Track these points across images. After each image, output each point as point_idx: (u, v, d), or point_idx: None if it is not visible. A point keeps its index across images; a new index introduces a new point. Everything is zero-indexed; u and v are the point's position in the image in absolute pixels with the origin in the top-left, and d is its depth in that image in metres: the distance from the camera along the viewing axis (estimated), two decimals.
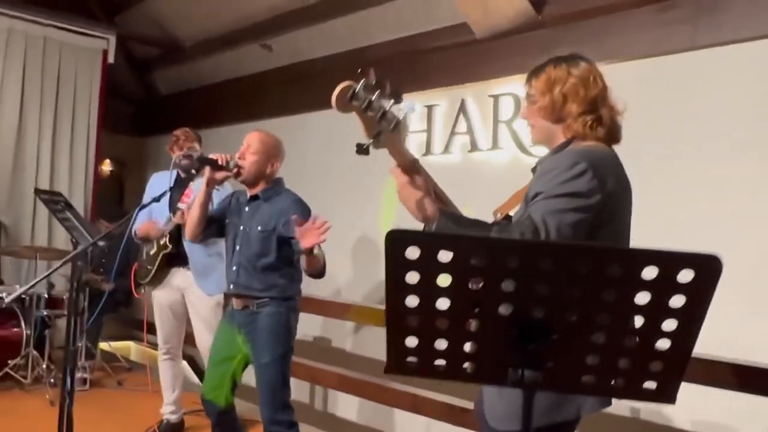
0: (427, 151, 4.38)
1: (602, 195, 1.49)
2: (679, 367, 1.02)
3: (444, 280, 1.01)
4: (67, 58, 5.81)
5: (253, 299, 2.72)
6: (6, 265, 5.42)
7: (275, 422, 2.68)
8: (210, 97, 6.36)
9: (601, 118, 1.64)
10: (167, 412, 3.83)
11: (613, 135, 1.67)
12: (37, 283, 2.49)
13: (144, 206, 2.63)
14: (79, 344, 4.42)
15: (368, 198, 4.52)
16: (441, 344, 1.08)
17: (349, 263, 4.71)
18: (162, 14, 6.03)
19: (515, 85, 3.91)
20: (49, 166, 5.75)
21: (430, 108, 4.38)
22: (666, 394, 1.05)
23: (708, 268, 0.93)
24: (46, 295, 4.56)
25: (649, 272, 0.94)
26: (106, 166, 7.12)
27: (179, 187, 3.31)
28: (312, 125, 5.20)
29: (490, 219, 1.78)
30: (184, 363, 4.11)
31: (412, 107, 1.52)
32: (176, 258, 3.56)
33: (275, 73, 5.61)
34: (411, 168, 1.59)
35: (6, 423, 3.95)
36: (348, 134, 5.15)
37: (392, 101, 1.45)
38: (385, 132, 1.47)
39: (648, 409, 3.22)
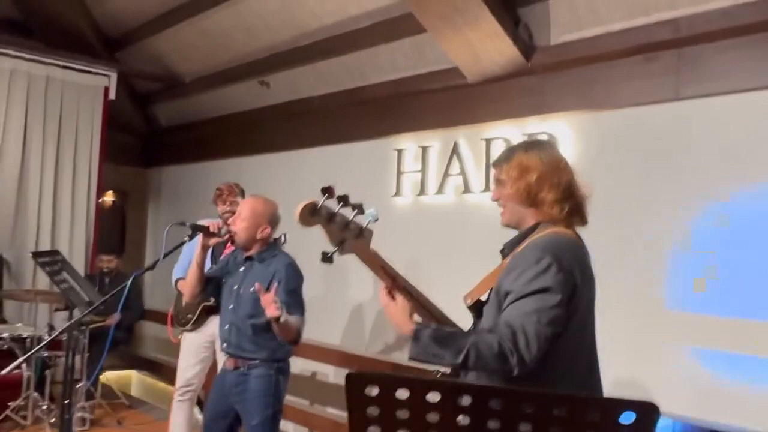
0: (422, 191, 4.45)
1: (568, 287, 1.54)
2: None
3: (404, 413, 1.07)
4: (70, 95, 5.92)
5: (244, 360, 2.79)
6: (8, 304, 5.50)
7: None
8: (210, 130, 6.46)
9: (577, 205, 1.70)
10: None
11: (584, 219, 1.73)
12: (43, 346, 2.52)
13: (140, 274, 2.68)
14: (79, 385, 4.47)
15: None
16: None
17: (349, 307, 4.76)
18: (162, 51, 6.15)
19: (506, 129, 3.98)
20: (51, 198, 5.85)
21: (424, 149, 4.46)
22: None
23: (647, 413, 0.98)
24: (46, 337, 4.62)
25: (593, 415, 1.00)
26: (109, 197, 7.22)
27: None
28: (308, 161, 5.29)
29: (480, 268, 1.84)
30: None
31: (374, 216, 1.61)
32: (215, 308, 3.64)
33: (273, 110, 5.71)
34: (394, 286, 1.68)
35: None
36: (345, 171, 5.24)
37: (355, 212, 1.54)
38: (348, 240, 1.58)
39: None
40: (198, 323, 3.77)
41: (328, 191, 1.56)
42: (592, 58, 3.56)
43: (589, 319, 1.64)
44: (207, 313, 3.73)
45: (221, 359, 3.58)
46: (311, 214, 1.55)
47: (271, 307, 2.43)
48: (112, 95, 6.10)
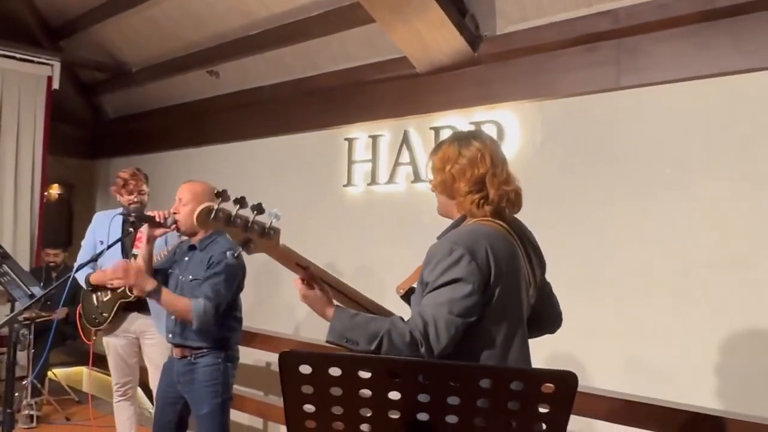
0: (373, 180, 4.47)
1: (481, 276, 1.59)
2: None
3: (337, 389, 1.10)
4: (10, 85, 5.75)
5: (190, 349, 2.77)
6: None
7: None
8: (158, 121, 6.35)
9: (487, 197, 1.73)
10: None
11: (500, 212, 1.75)
12: None
13: (83, 266, 2.64)
14: (26, 382, 4.37)
15: (316, 224, 4.59)
16: None
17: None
18: (108, 39, 6.01)
19: (454, 118, 4.04)
20: None
21: (375, 138, 4.48)
22: None
23: (566, 382, 1.03)
24: None
25: (516, 385, 1.04)
26: (55, 190, 7.03)
27: (127, 234, 3.30)
28: (259, 152, 5.26)
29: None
30: (139, 391, 4.09)
31: (276, 215, 1.64)
32: (134, 304, 3.51)
33: (223, 100, 5.64)
34: (308, 276, 1.72)
35: None
36: (296, 161, 5.23)
37: (255, 213, 1.61)
38: (254, 239, 1.63)
39: None
40: (115, 322, 3.56)
41: (221, 194, 1.62)
42: (537, 48, 3.63)
43: (511, 305, 1.67)
44: (125, 310, 3.55)
45: (150, 348, 3.53)
46: (208, 217, 1.58)
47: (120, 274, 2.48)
48: (55, 85, 5.94)
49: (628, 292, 3.24)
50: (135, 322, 3.59)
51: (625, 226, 3.29)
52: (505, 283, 1.63)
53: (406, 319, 1.61)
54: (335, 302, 1.70)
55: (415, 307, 1.66)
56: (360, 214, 4.52)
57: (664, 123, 3.21)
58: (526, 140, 3.71)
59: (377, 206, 4.44)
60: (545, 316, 1.91)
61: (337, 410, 1.12)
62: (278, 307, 4.84)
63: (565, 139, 3.58)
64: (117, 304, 3.49)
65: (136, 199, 3.53)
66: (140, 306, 3.49)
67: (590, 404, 2.69)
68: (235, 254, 1.65)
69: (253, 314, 4.70)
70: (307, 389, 1.10)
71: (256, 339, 4.13)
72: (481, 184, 1.72)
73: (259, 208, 1.61)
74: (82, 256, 3.60)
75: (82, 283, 3.43)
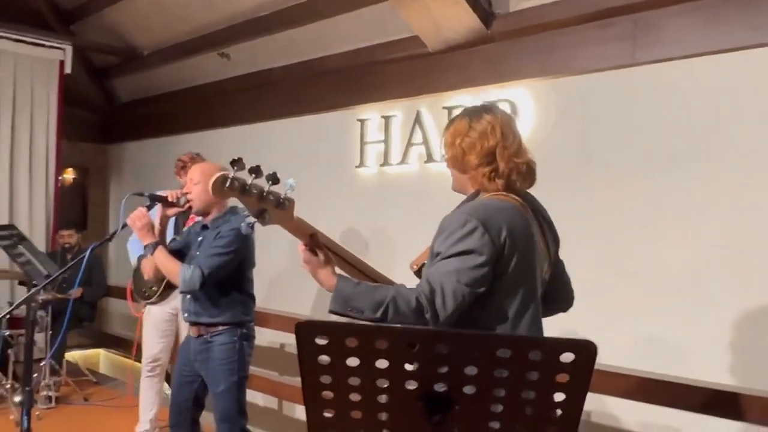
0: (385, 161, 4.46)
1: (494, 249, 1.58)
2: (571, 430, 1.13)
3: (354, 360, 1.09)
4: (23, 69, 5.77)
5: (206, 327, 2.80)
6: None
7: None
8: (170, 104, 6.36)
9: (497, 170, 1.71)
10: (142, 430, 3.86)
11: (512, 185, 1.73)
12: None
13: (97, 245, 2.65)
14: (43, 363, 4.43)
15: (328, 205, 4.59)
16: (356, 414, 1.17)
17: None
18: (119, 23, 6.00)
19: (467, 97, 3.99)
20: (8, 176, 5.73)
21: (387, 119, 4.46)
22: None
23: (585, 351, 1.02)
24: (6, 315, 4.55)
25: (535, 354, 1.03)
26: (69, 174, 7.08)
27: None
28: (271, 134, 5.25)
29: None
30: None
31: (291, 185, 1.62)
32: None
33: (234, 82, 5.63)
34: (312, 243, 1.69)
35: None
36: (308, 143, 5.22)
37: (269, 183, 1.58)
38: (269, 210, 1.59)
39: (598, 412, 3.36)
40: (163, 296, 3.66)
41: (237, 163, 1.57)
42: (551, 25, 3.58)
43: (524, 279, 1.66)
44: (171, 287, 3.64)
45: (185, 330, 3.59)
46: (223, 186, 1.55)
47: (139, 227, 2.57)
48: (68, 69, 5.95)
49: (644, 271, 3.22)
50: (177, 297, 3.66)
51: (641, 203, 3.26)
52: (519, 258, 1.61)
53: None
54: (339, 271, 1.68)
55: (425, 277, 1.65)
56: (373, 195, 4.51)
57: (681, 99, 3.17)
58: (540, 118, 3.67)
59: (390, 187, 4.43)
60: (558, 294, 1.89)
61: (353, 381, 1.12)
62: (291, 286, 4.86)
63: (580, 116, 3.54)
64: (165, 280, 3.55)
65: (184, 181, 3.61)
66: None
67: (605, 381, 2.68)
68: (251, 225, 1.61)
69: (268, 296, 4.74)
70: (324, 360, 1.10)
71: (269, 319, 4.14)
72: (491, 157, 1.70)
73: (274, 178, 1.58)
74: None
75: (133, 262, 3.58)
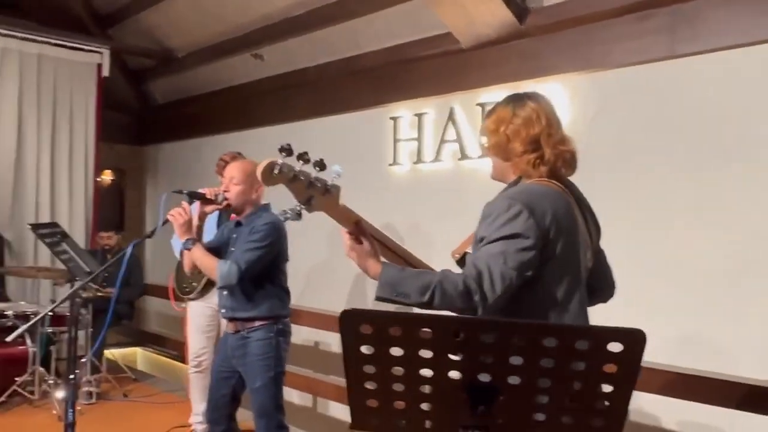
0: (418, 159, 4.45)
1: (540, 232, 1.56)
2: (618, 422, 1.10)
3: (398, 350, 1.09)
4: (62, 73, 5.90)
5: (243, 322, 2.83)
6: (10, 282, 5.54)
7: None
8: (205, 105, 6.44)
9: (543, 156, 1.69)
10: (196, 422, 3.92)
11: (555, 172, 1.72)
12: (45, 314, 2.56)
13: (139, 242, 2.70)
14: (84, 359, 4.52)
15: (362, 204, 4.59)
16: (399, 405, 1.16)
17: (351, 271, 4.79)
18: (154, 26, 6.10)
19: (501, 93, 3.91)
20: (49, 177, 5.87)
21: (420, 116, 4.45)
22: None
23: (634, 340, 1.00)
24: (50, 313, 4.65)
25: (582, 344, 1.02)
26: (107, 176, 7.22)
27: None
28: (305, 133, 5.27)
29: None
30: None
31: (338, 172, 1.61)
32: None
33: (268, 82, 5.68)
34: (357, 230, 1.68)
35: None
36: (342, 141, 5.25)
37: (317, 169, 1.56)
38: (316, 197, 1.58)
39: (635, 410, 3.30)
40: (203, 292, 3.77)
41: (286, 150, 1.55)
42: (586, 18, 3.53)
43: (570, 264, 1.64)
44: (212, 283, 3.68)
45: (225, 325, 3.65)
46: (272, 172, 1.53)
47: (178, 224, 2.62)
48: (105, 72, 6.07)
49: (685, 267, 3.16)
50: (217, 294, 3.73)
51: (682, 199, 3.19)
52: (564, 242, 1.60)
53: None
54: (383, 259, 1.67)
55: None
56: (406, 193, 4.50)
57: (722, 92, 3.09)
58: (577, 114, 3.62)
59: (423, 184, 4.42)
60: (600, 283, 1.87)
61: (397, 371, 1.12)
62: (325, 283, 4.88)
63: (618, 111, 3.48)
64: (206, 277, 3.61)
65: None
66: None
67: (643, 378, 2.63)
68: (298, 212, 1.59)
69: (303, 294, 4.76)
70: (368, 349, 1.10)
71: (301, 316, 4.16)
72: (536, 144, 1.69)
73: (321, 165, 1.56)
74: None
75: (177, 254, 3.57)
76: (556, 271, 1.60)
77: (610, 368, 1.05)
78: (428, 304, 1.50)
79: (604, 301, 1.91)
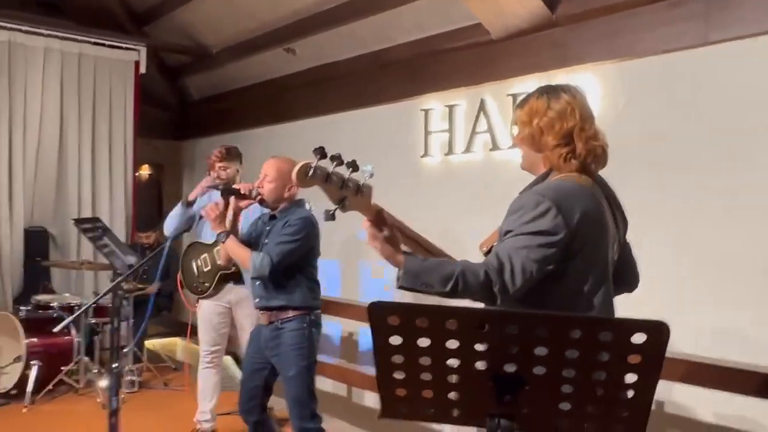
0: (450, 150, 4.46)
1: (567, 230, 1.58)
2: (643, 413, 1.13)
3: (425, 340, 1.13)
4: (102, 71, 6.06)
5: (276, 313, 2.91)
6: (55, 275, 5.74)
7: (304, 430, 2.90)
8: (239, 100, 6.55)
9: (574, 151, 1.71)
10: (203, 419, 3.98)
11: (586, 167, 1.73)
12: (90, 306, 2.66)
13: (178, 236, 2.79)
14: (127, 350, 4.67)
15: (394, 195, 4.63)
16: (427, 394, 1.20)
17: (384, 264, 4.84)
18: (189, 23, 6.22)
19: (532, 83, 3.94)
20: (90, 174, 6.04)
21: (451, 108, 4.46)
22: None
23: (657, 332, 1.02)
24: (93, 305, 4.82)
25: (606, 336, 1.04)
26: (145, 171, 7.40)
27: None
28: (337, 126, 5.33)
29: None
30: (228, 359, 4.30)
31: (370, 172, 1.64)
32: (231, 275, 3.74)
33: (300, 76, 5.75)
34: (378, 220, 1.71)
35: (63, 425, 4.26)
36: (373, 134, 5.27)
37: (350, 170, 1.61)
38: (349, 197, 1.62)
39: (671, 402, 3.29)
40: (216, 290, 3.81)
41: (320, 152, 1.59)
42: (617, 7, 3.49)
43: (596, 261, 1.66)
44: (224, 281, 3.79)
45: (245, 319, 3.71)
46: (306, 175, 1.58)
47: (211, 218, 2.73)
48: (143, 69, 6.21)
49: (717, 258, 3.12)
50: (231, 291, 3.81)
51: (715, 190, 3.15)
52: (591, 239, 1.62)
53: None
54: (404, 248, 1.70)
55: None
56: (438, 184, 4.52)
57: (759, 78, 3.04)
58: (608, 103, 3.59)
59: (455, 176, 4.43)
60: (624, 275, 1.88)
61: (424, 361, 1.16)
62: (356, 280, 4.94)
63: (650, 100, 3.44)
64: (218, 275, 3.74)
65: (214, 175, 3.81)
66: (238, 277, 3.70)
67: (679, 369, 2.63)
68: (332, 213, 1.63)
69: (334, 285, 4.83)
70: (396, 340, 1.14)
71: (330, 307, 4.23)
72: (569, 138, 1.70)
73: (354, 165, 1.61)
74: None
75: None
76: (583, 266, 1.61)
77: (634, 359, 1.07)
78: (450, 294, 1.54)
79: (628, 291, 1.92)
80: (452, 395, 1.20)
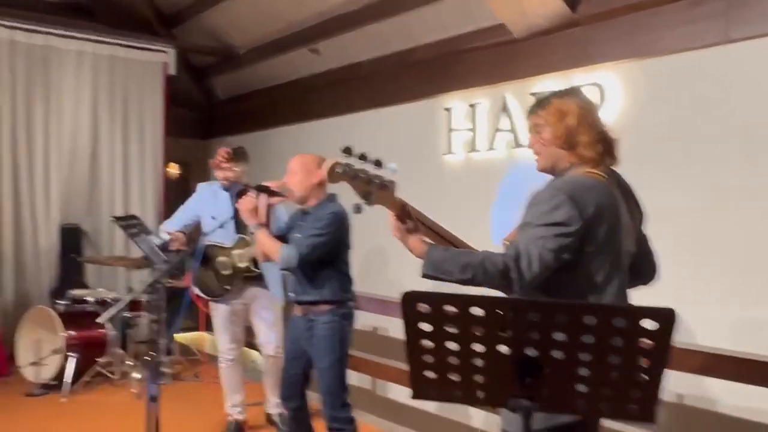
0: (472, 148, 4.55)
1: (582, 222, 1.67)
2: (654, 394, 1.21)
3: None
4: (132, 73, 6.25)
5: (310, 306, 3.04)
6: (89, 271, 5.94)
7: (335, 419, 3.04)
8: (265, 100, 6.69)
9: (610, 146, 1.83)
10: (235, 412, 4.10)
11: (603, 163, 1.84)
12: (133, 299, 2.76)
13: (210, 233, 2.91)
14: (160, 342, 4.83)
15: (418, 193, 4.72)
16: (454, 377, 1.30)
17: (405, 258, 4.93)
18: (216, 24, 6.37)
19: (554, 82, 4.02)
20: (122, 173, 6.25)
21: (473, 106, 4.54)
22: (647, 416, 1.24)
23: (666, 319, 1.11)
24: (127, 297, 4.98)
25: (619, 322, 1.13)
26: (174, 170, 7.57)
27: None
28: (361, 125, 5.43)
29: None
30: (249, 351, 4.40)
31: (393, 169, 1.78)
32: (255, 278, 3.84)
33: (325, 76, 5.87)
34: (403, 213, 1.85)
35: (101, 414, 4.44)
36: (397, 132, 5.35)
37: (375, 167, 1.76)
38: (375, 192, 1.77)
39: (692, 395, 3.34)
40: (235, 293, 3.88)
41: (347, 151, 1.75)
42: (638, 6, 3.55)
43: (610, 253, 1.74)
44: (245, 283, 3.87)
45: (263, 311, 3.82)
46: (335, 171, 1.73)
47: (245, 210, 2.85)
48: (172, 70, 6.39)
49: (739, 255, 3.16)
50: (248, 290, 3.92)
51: (736, 187, 3.19)
52: (606, 232, 1.70)
53: None
54: (427, 240, 1.83)
55: None
56: (460, 181, 4.60)
57: None
58: (629, 101, 3.65)
59: (477, 173, 4.51)
60: (642, 267, 1.97)
61: (452, 345, 1.26)
62: (383, 268, 5.04)
63: (671, 98, 3.49)
64: (239, 278, 3.82)
65: (219, 176, 3.91)
66: (260, 279, 3.82)
67: (700, 361, 2.69)
68: (358, 207, 1.78)
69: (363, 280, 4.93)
70: (425, 326, 1.24)
71: (361, 302, 4.32)
72: (602, 134, 1.82)
73: (378, 163, 1.75)
74: (176, 217, 4.04)
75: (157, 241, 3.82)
76: (596, 257, 1.70)
77: (645, 344, 1.16)
78: (470, 281, 1.66)
79: (645, 283, 2.00)
80: (477, 378, 1.30)
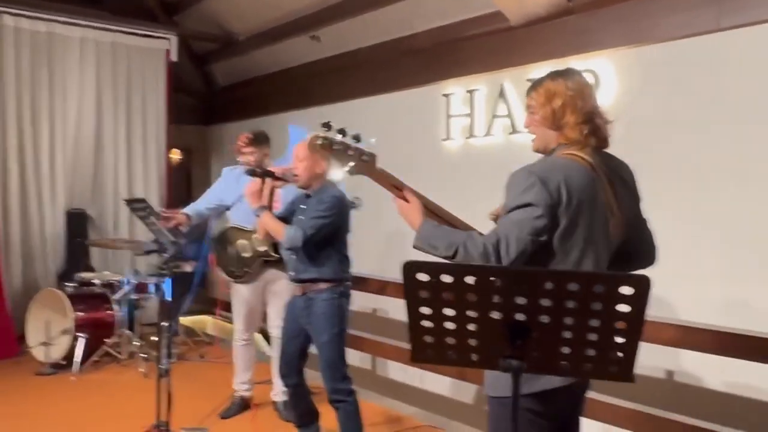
0: (470, 134, 4.64)
1: (552, 201, 1.75)
2: (632, 355, 1.33)
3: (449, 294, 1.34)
4: (135, 59, 6.34)
5: (309, 284, 3.17)
6: (94, 254, 6.06)
7: (336, 391, 3.18)
8: (265, 86, 6.77)
9: (597, 128, 1.89)
10: (242, 389, 4.25)
11: (604, 142, 1.91)
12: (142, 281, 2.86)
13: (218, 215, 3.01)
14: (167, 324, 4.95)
15: (417, 178, 4.81)
16: (450, 341, 1.42)
17: (400, 243, 5.04)
18: (217, 11, 6.44)
19: (550, 69, 4.06)
20: (125, 159, 6.36)
21: (471, 93, 4.63)
22: (625, 376, 1.36)
23: (641, 285, 1.23)
24: (133, 280, 5.12)
25: (599, 288, 1.25)
26: (176, 155, 7.67)
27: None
28: (360, 112, 5.52)
29: None
30: (257, 336, 4.54)
31: (371, 143, 1.92)
32: (274, 262, 3.93)
33: (324, 63, 5.95)
34: (391, 184, 2.00)
35: (108, 393, 4.58)
36: (397, 118, 5.44)
37: (354, 141, 1.91)
38: (356, 163, 1.93)
39: (681, 372, 3.46)
40: (254, 275, 4.00)
41: (327, 125, 1.91)
42: None
43: (582, 231, 1.80)
44: (263, 266, 3.98)
45: (277, 295, 3.94)
46: (315, 144, 1.89)
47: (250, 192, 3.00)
48: (174, 57, 6.47)
49: (732, 235, 3.25)
50: (267, 271, 4.03)
51: (729, 172, 3.27)
52: (576, 210, 1.77)
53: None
54: (425, 216, 1.95)
55: None
56: (459, 167, 4.71)
57: None
58: (624, 88, 3.74)
59: (475, 158, 4.61)
60: (639, 250, 2.01)
61: (448, 312, 1.37)
62: (383, 250, 5.15)
63: (664, 85, 3.58)
64: (259, 261, 3.94)
65: (242, 160, 3.98)
66: (279, 263, 3.89)
67: (691, 337, 2.79)
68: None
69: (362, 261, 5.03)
70: (424, 294, 1.36)
71: (357, 281, 4.43)
72: (590, 116, 1.87)
73: (357, 137, 1.92)
74: (200, 200, 4.17)
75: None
76: (569, 236, 1.78)
77: (623, 308, 1.27)
78: (452, 258, 1.77)
79: (645, 266, 2.03)
80: (471, 342, 1.42)
